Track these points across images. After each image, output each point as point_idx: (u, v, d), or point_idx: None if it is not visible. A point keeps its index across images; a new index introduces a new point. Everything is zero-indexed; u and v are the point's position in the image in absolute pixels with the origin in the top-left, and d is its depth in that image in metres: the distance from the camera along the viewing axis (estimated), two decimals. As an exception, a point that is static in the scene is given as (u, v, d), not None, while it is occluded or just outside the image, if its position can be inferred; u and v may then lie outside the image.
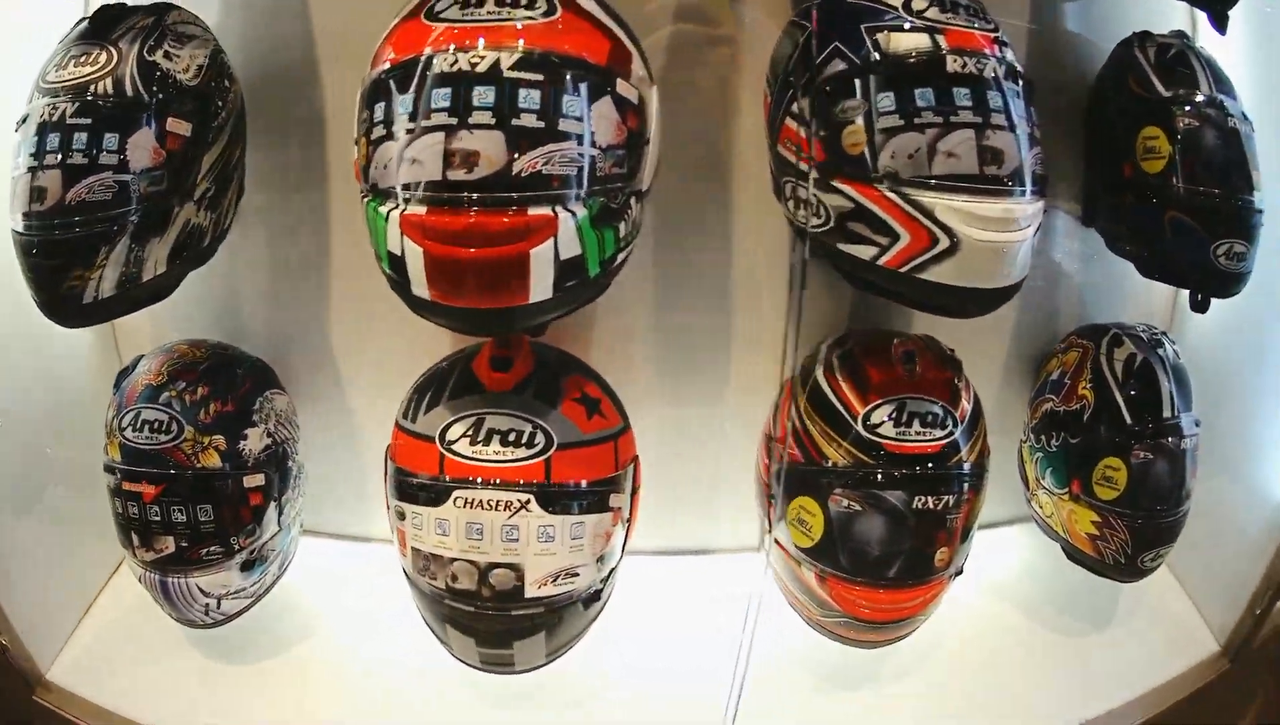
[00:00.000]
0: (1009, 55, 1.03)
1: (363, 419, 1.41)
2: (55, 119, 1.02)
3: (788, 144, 1.05)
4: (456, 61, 0.90)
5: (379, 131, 0.92)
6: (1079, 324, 1.43)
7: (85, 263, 1.01)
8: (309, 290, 1.35)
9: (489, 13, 0.93)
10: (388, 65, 0.93)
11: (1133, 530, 1.26)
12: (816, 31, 1.02)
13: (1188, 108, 1.22)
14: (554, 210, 0.90)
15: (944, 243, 0.96)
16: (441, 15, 0.94)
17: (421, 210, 0.89)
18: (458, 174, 0.88)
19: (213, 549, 1.13)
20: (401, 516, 1.06)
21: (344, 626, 1.35)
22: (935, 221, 0.96)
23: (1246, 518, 1.46)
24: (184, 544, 1.13)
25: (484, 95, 0.89)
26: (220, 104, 1.10)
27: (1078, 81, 1.38)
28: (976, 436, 1.15)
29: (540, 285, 0.92)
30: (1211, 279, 1.23)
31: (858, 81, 0.98)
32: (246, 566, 1.17)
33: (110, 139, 1.02)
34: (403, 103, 0.91)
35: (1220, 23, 1.26)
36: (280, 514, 1.20)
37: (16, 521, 1.28)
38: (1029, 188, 1.00)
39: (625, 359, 1.34)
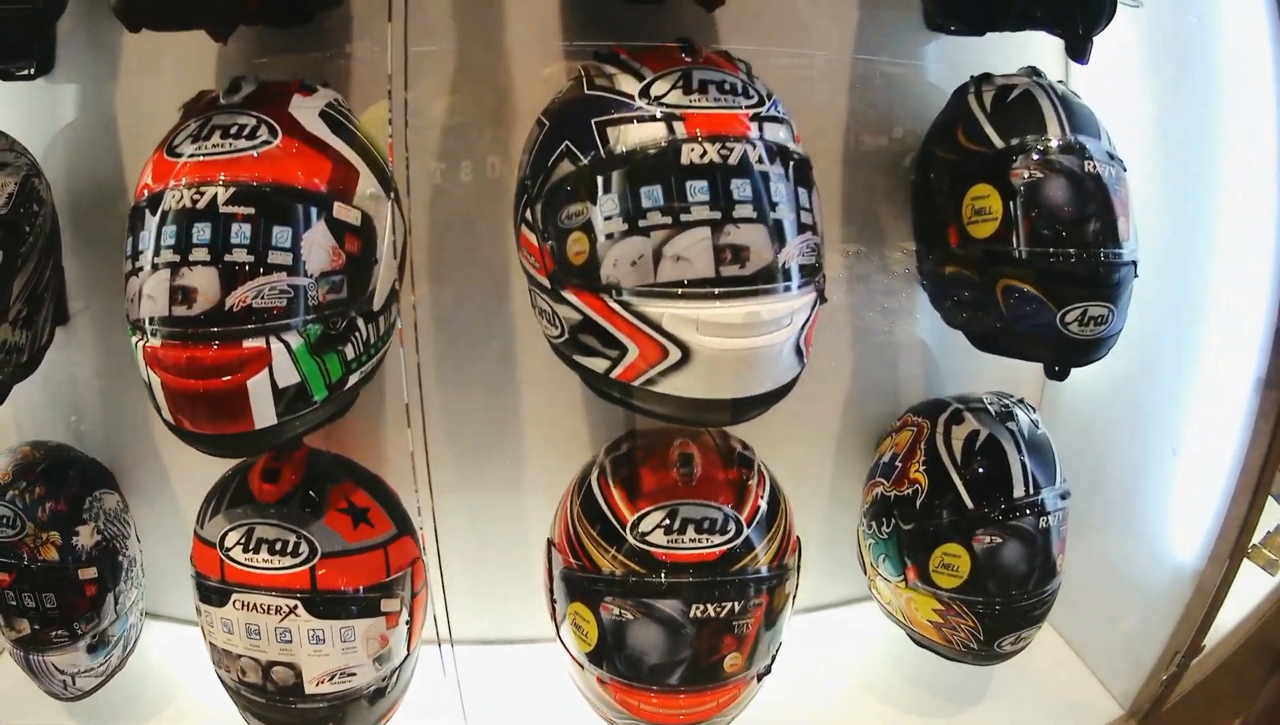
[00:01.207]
0: (777, 134, 0.95)
1: (190, 513, 1.37)
2: None
3: (524, 253, 1.00)
4: (181, 198, 0.92)
5: (129, 265, 0.96)
6: (931, 396, 1.33)
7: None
8: (138, 390, 1.40)
9: (214, 146, 0.94)
10: (136, 199, 0.97)
11: (981, 617, 1.16)
12: (549, 129, 0.98)
13: (1032, 157, 1.08)
14: (267, 342, 0.91)
15: (675, 355, 0.91)
16: (177, 150, 0.96)
17: (156, 342, 0.92)
18: (180, 310, 0.91)
19: (59, 632, 1.21)
20: (198, 613, 1.11)
21: (191, 705, 1.39)
22: (662, 332, 0.90)
23: (1144, 577, 1.34)
24: (36, 626, 1.21)
25: (201, 232, 0.92)
26: (28, 228, 1.14)
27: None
28: (775, 534, 1.08)
29: (263, 412, 0.93)
30: (1063, 350, 1.10)
31: (583, 184, 0.92)
32: (92, 649, 1.24)
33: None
34: (143, 238, 0.94)
35: (1078, 52, 1.11)
36: (116, 603, 1.26)
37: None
38: (789, 283, 0.93)
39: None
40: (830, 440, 1.40)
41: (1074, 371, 1.17)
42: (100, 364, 1.38)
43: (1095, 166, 1.09)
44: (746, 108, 0.95)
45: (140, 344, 0.94)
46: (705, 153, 0.91)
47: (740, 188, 0.91)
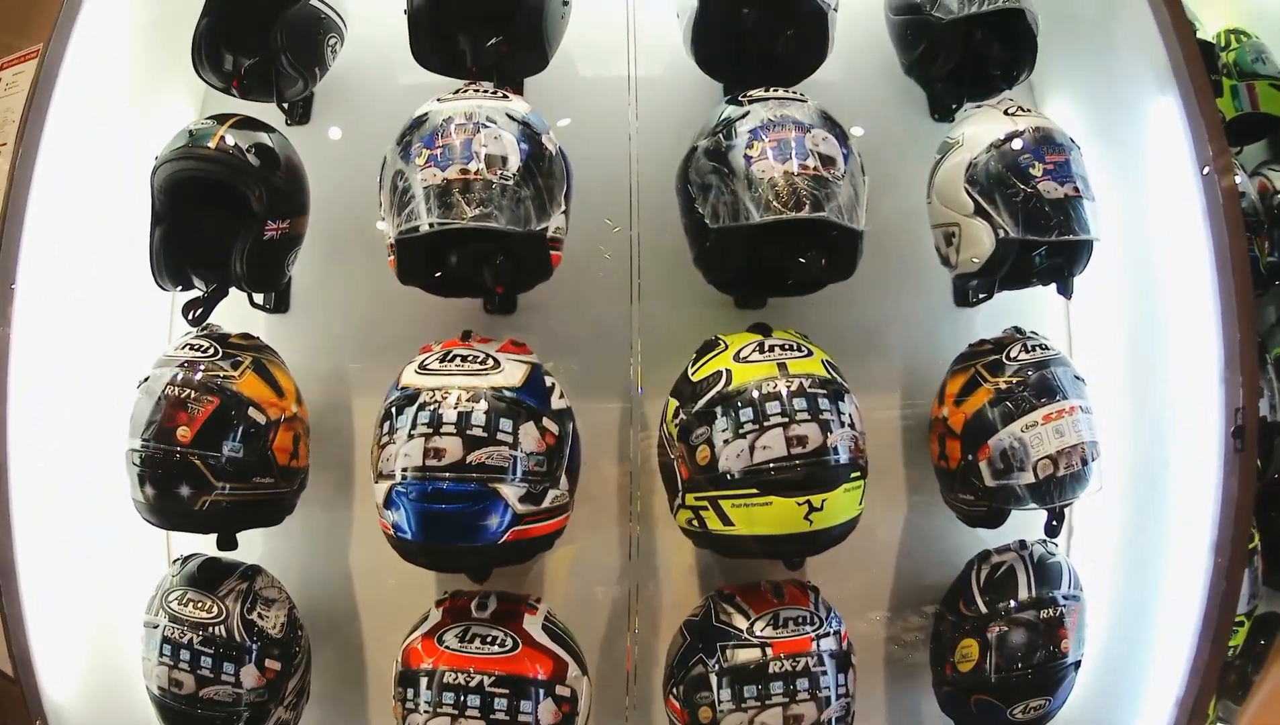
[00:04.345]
0: (828, 645, 1.56)
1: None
2: (183, 641, 1.57)
3: (670, 715, 1.61)
4: (449, 675, 1.45)
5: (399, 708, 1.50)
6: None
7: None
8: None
9: (476, 649, 1.48)
10: (404, 667, 1.50)
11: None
12: (689, 643, 1.59)
13: (1001, 617, 1.69)
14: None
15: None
16: (444, 641, 1.49)
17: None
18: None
19: None
20: None
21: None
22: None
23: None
24: None
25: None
26: (297, 649, 1.66)
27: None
28: None
29: None
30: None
31: (708, 683, 1.53)
32: None
33: (228, 666, 1.58)
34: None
35: (1065, 291, 1.79)
36: None
37: None
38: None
39: None
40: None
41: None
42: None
43: (1053, 611, 1.69)
44: (810, 633, 1.57)
45: None
46: (784, 665, 1.53)
47: (802, 683, 1.53)
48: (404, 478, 1.41)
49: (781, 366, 1.54)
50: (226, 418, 1.57)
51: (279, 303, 1.89)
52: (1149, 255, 1.91)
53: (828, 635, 1.59)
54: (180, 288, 1.73)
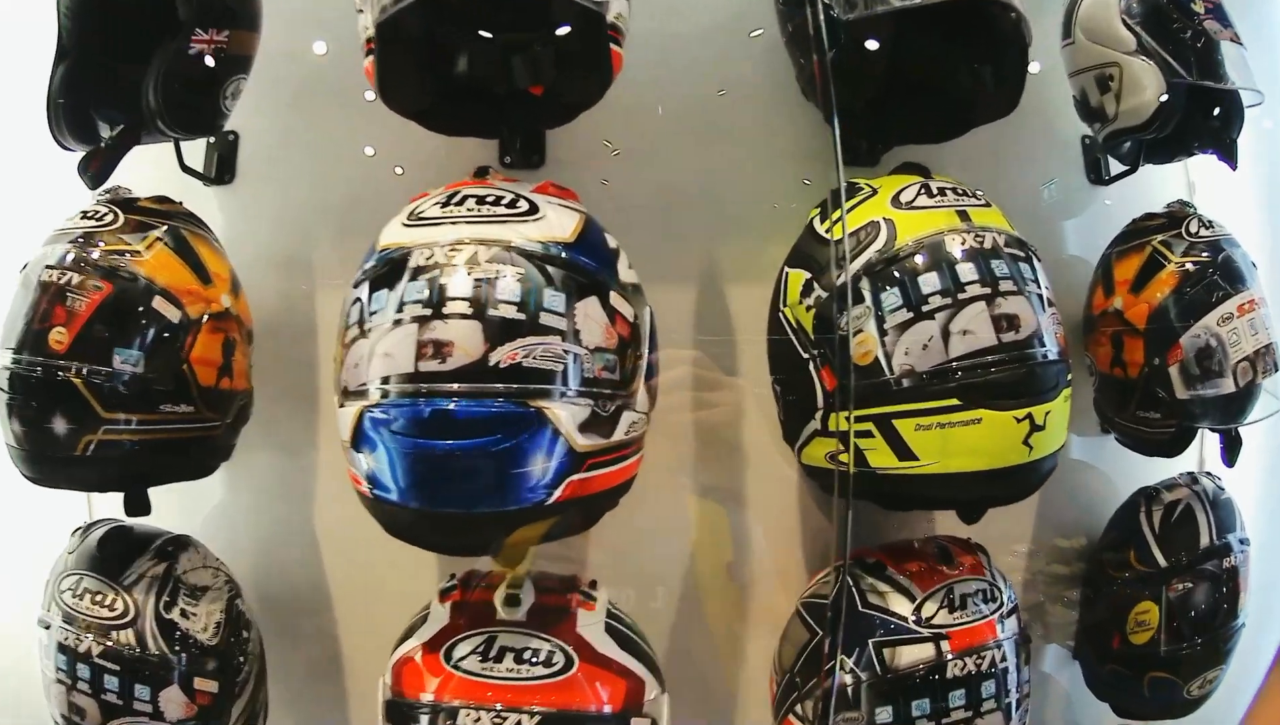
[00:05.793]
0: (1010, 628, 1.08)
1: None
2: (81, 650, 1.06)
3: (792, 738, 1.11)
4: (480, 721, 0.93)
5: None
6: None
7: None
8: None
9: (508, 670, 0.94)
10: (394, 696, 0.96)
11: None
12: (821, 638, 1.06)
13: (1184, 574, 1.28)
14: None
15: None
16: (460, 665, 0.95)
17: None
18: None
19: None
20: None
21: None
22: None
23: None
24: None
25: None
26: (242, 659, 1.13)
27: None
28: None
29: None
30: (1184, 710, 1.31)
31: (860, 699, 1.03)
32: None
33: (141, 690, 1.06)
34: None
35: (1229, 155, 1.32)
36: None
37: None
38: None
39: None
40: None
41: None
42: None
43: (1232, 560, 1.29)
44: (991, 614, 1.07)
45: None
46: (965, 665, 1.03)
47: (988, 688, 1.04)
48: (384, 395, 0.86)
49: (963, 215, 1.02)
50: (121, 313, 1.04)
51: (221, 168, 1.33)
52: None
53: (1010, 614, 1.10)
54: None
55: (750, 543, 1.30)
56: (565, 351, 0.87)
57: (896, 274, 0.97)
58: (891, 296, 0.96)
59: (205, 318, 1.09)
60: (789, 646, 1.14)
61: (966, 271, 0.96)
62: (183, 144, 1.23)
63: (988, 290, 0.95)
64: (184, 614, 1.09)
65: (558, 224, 0.94)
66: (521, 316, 0.86)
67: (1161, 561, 1.30)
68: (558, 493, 0.87)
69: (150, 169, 1.23)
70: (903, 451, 0.95)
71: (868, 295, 0.98)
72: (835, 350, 0.96)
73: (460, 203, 0.94)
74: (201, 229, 1.18)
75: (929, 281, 0.95)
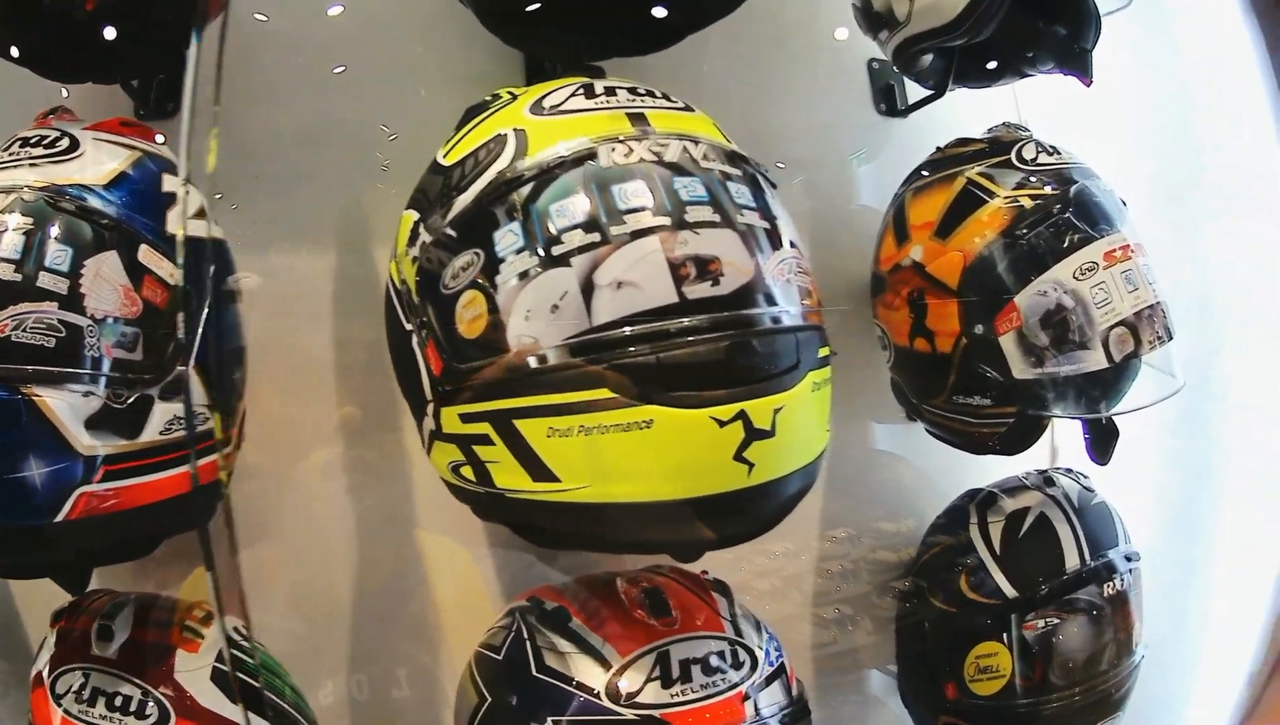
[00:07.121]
0: (774, 699, 0.80)
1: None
2: None
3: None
4: None
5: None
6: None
7: None
8: None
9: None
10: None
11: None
12: (491, 704, 0.80)
13: (1044, 607, 0.99)
14: None
15: None
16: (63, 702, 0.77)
17: None
18: None
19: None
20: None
21: None
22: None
23: None
24: None
25: None
26: None
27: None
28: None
29: None
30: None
31: None
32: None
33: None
34: None
35: (1082, 69, 1.03)
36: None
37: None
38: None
39: None
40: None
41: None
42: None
43: (1116, 585, 1.00)
44: (741, 682, 0.76)
45: None
46: None
47: None
48: None
49: (638, 118, 0.73)
50: None
51: None
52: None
53: (772, 681, 0.82)
54: None
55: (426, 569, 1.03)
56: (61, 322, 0.70)
57: (517, 202, 0.67)
58: (509, 235, 0.66)
59: None
60: (464, 706, 0.87)
61: (630, 193, 0.66)
62: None
63: (665, 220, 0.65)
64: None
65: (93, 163, 0.80)
66: (18, 277, 0.71)
67: (1008, 591, 1.00)
68: (65, 509, 0.70)
69: None
70: (536, 468, 0.65)
71: (493, 231, 0.68)
72: (438, 318, 0.66)
73: (6, 148, 0.82)
74: None
75: (565, 210, 0.65)
